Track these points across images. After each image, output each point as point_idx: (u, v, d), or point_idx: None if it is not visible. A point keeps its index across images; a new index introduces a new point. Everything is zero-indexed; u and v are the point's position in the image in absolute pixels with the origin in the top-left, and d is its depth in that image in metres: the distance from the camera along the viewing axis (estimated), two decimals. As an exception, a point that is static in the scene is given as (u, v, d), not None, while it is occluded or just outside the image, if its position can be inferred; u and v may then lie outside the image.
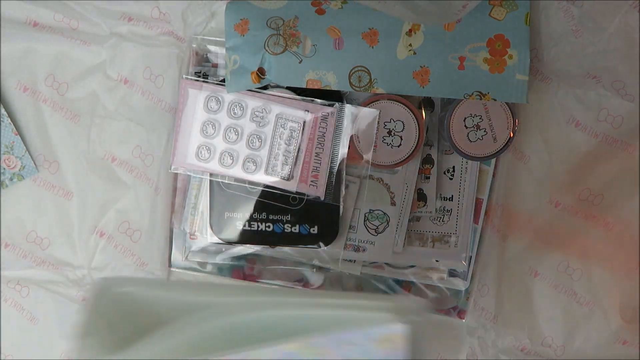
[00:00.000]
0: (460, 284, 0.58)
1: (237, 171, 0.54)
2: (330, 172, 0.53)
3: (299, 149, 0.52)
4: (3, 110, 0.57)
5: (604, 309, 0.57)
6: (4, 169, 0.57)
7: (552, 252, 0.57)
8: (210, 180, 0.56)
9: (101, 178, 0.59)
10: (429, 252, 0.58)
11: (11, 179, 0.58)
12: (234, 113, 0.52)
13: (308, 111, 0.52)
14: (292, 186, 0.53)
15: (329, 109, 0.53)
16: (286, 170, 0.52)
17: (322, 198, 0.54)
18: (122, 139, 0.58)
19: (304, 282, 0.59)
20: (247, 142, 0.53)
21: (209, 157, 0.54)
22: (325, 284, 0.59)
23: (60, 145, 0.58)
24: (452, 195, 0.57)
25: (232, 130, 0.53)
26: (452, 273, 0.58)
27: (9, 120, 0.57)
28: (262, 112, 0.52)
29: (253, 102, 0.53)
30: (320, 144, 0.52)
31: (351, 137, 0.54)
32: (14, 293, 0.60)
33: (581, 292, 0.57)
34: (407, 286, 0.59)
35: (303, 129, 0.51)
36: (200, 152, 0.54)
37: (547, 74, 0.56)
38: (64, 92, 0.58)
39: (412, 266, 0.58)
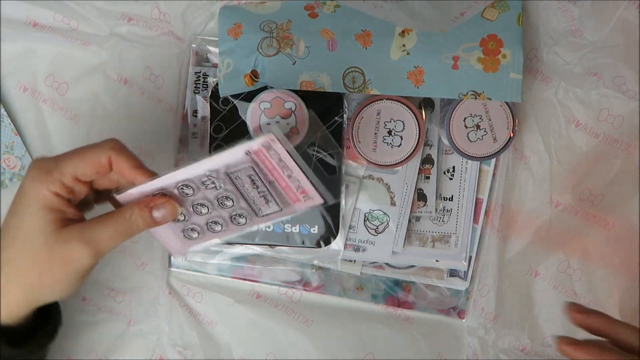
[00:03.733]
0: (460, 284, 0.58)
1: (234, 230, 0.50)
2: (315, 179, 0.48)
3: (269, 183, 0.47)
4: (3, 110, 0.57)
5: (604, 309, 0.57)
6: (4, 169, 0.57)
7: (552, 252, 0.57)
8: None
9: (101, 178, 0.58)
10: (429, 252, 0.58)
11: (11, 179, 0.58)
12: (186, 194, 0.47)
13: (249, 151, 0.45)
14: (291, 212, 0.49)
15: (265, 138, 0.44)
16: (273, 206, 0.49)
17: (324, 203, 0.51)
18: (122, 139, 0.58)
19: (304, 282, 0.59)
20: (220, 205, 0.48)
21: (199, 235, 0.50)
22: (325, 283, 0.59)
23: (60, 145, 0.58)
24: (452, 195, 0.57)
25: (198, 206, 0.48)
26: (452, 273, 0.58)
27: (9, 120, 0.57)
28: (211, 178, 0.46)
29: (194, 174, 0.46)
30: (283, 167, 0.46)
31: (351, 137, 0.54)
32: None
33: (581, 292, 0.57)
34: (407, 286, 0.59)
35: (257, 167, 0.45)
36: (188, 235, 0.50)
37: (547, 74, 0.55)
38: (64, 92, 0.58)
39: (412, 266, 0.58)
